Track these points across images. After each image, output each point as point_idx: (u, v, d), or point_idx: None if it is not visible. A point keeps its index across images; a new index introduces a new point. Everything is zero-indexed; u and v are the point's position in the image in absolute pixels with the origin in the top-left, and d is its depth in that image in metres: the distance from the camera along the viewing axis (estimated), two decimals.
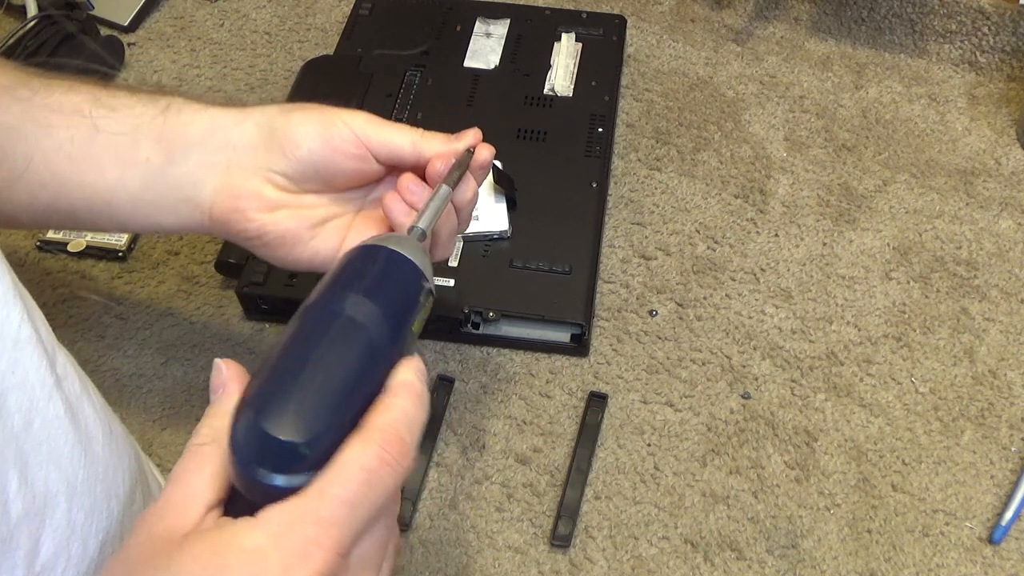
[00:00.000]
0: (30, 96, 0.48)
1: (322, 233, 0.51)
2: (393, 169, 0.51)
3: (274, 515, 0.34)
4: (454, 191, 0.49)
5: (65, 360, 0.40)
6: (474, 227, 0.67)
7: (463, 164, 0.49)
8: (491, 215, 0.68)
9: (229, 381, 0.38)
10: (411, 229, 0.45)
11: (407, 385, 0.38)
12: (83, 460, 0.38)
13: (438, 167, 0.49)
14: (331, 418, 0.36)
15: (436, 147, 0.50)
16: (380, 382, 0.38)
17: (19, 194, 0.49)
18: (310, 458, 0.35)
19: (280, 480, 0.34)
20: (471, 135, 0.51)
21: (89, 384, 0.42)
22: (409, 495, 0.60)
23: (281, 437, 0.34)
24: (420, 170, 0.50)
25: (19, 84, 0.48)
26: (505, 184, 0.68)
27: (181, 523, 0.34)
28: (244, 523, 0.34)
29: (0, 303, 0.35)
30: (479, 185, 0.52)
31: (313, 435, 0.35)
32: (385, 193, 0.50)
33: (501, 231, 0.67)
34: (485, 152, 0.51)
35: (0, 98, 0.47)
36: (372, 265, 0.41)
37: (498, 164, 0.69)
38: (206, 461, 0.36)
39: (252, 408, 0.35)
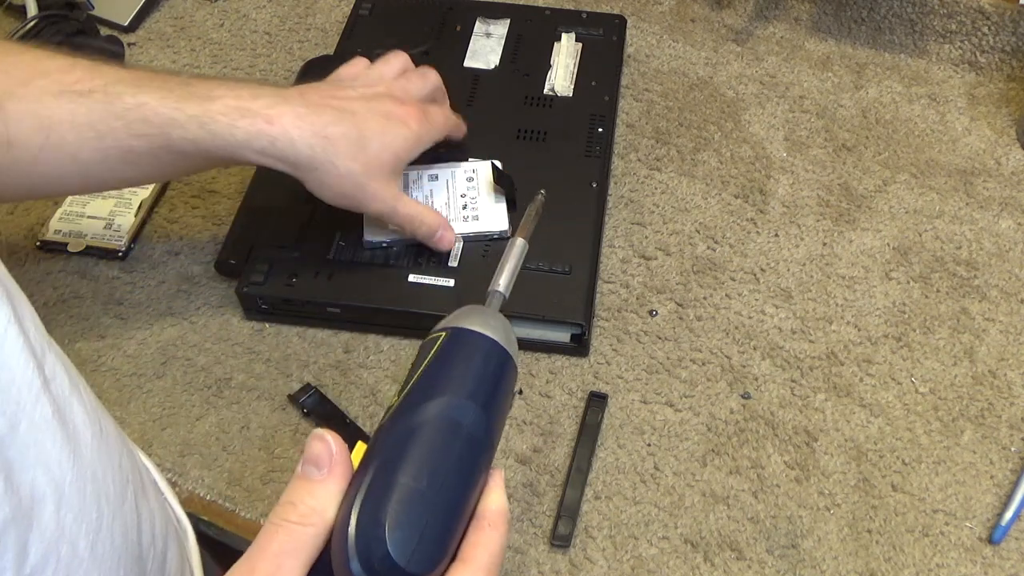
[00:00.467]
0: (87, 91, 0.55)
1: None
2: None
3: None
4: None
5: (55, 360, 0.39)
6: (474, 227, 0.67)
7: (536, 215, 0.49)
8: (491, 215, 0.68)
9: (336, 463, 0.37)
10: (493, 294, 0.44)
11: (502, 516, 0.38)
12: (71, 462, 0.38)
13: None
14: (449, 547, 0.36)
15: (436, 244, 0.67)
16: (481, 486, 0.39)
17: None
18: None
19: None
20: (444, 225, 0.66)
21: (80, 383, 0.42)
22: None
23: (409, 568, 0.34)
24: None
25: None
26: (505, 184, 0.68)
27: None
28: None
29: None
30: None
31: (433, 567, 0.36)
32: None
33: (501, 231, 0.67)
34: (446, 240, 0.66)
35: (55, 93, 0.54)
36: (473, 361, 0.40)
37: (498, 164, 0.69)
38: (303, 546, 0.35)
39: (377, 523, 0.35)
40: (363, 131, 0.59)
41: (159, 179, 0.61)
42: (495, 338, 0.40)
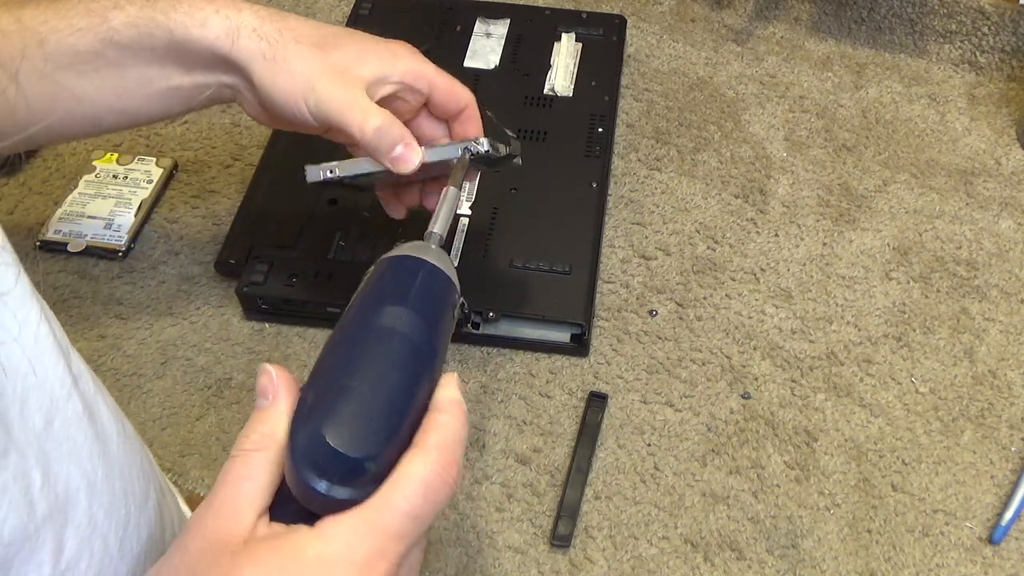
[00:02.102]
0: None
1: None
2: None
3: (341, 527, 0.35)
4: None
5: (78, 359, 0.40)
6: (438, 154, 0.56)
7: (464, 166, 0.52)
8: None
9: (280, 387, 0.38)
10: (429, 235, 0.47)
11: (455, 403, 0.39)
12: (101, 458, 0.39)
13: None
14: (392, 433, 0.37)
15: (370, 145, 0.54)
16: (430, 395, 0.40)
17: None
18: (374, 472, 0.36)
19: (344, 493, 0.35)
20: (400, 147, 0.54)
21: (101, 385, 0.42)
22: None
23: (349, 453, 0.35)
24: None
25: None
26: (497, 136, 0.60)
27: (236, 529, 0.35)
28: (309, 533, 0.35)
29: (19, 302, 0.35)
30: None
31: (378, 451, 0.36)
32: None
33: (473, 140, 0.56)
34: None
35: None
36: (410, 278, 0.43)
37: (494, 118, 0.63)
38: (258, 467, 0.36)
39: (315, 422, 0.36)
40: (329, 28, 0.55)
41: (112, 103, 0.55)
42: (424, 258, 0.43)
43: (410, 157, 0.54)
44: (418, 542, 0.37)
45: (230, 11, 0.53)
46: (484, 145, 0.55)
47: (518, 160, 0.60)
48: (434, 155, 0.55)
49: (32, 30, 0.51)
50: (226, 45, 0.52)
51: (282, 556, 0.34)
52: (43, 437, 0.35)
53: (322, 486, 0.35)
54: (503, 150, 0.57)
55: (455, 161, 0.54)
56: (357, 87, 0.54)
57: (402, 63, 0.56)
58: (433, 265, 0.43)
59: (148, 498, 0.43)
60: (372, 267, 0.44)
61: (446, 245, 0.54)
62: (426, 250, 0.44)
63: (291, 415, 0.38)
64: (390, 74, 0.56)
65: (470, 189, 0.65)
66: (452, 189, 0.50)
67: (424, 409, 0.39)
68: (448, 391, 0.40)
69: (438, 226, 0.48)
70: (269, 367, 0.39)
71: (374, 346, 0.39)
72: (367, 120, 0.53)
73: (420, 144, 0.55)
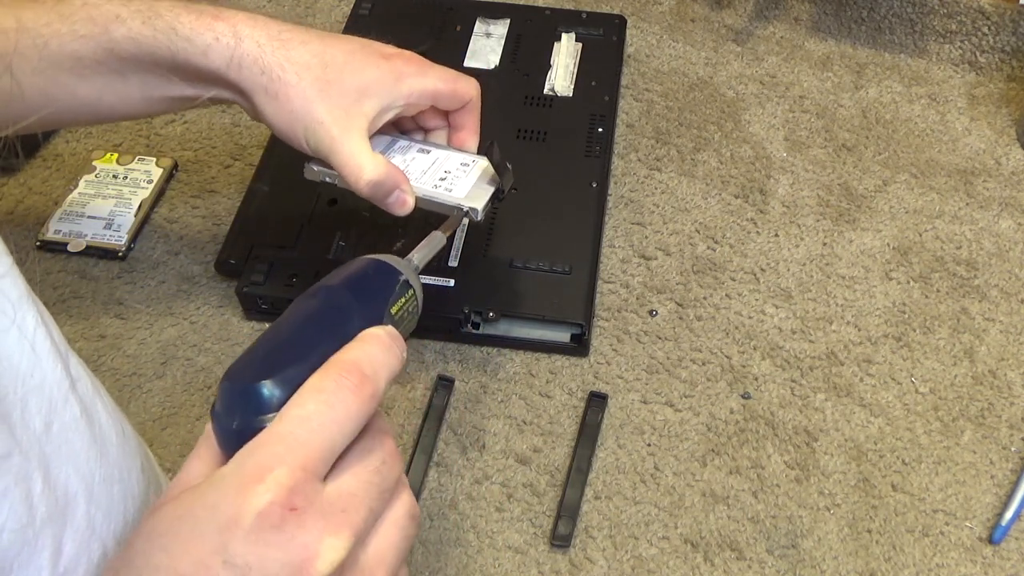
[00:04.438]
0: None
1: None
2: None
3: (240, 452, 0.35)
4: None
5: (77, 362, 0.40)
6: (442, 196, 0.58)
7: (458, 220, 0.56)
8: (468, 192, 0.59)
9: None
10: (409, 259, 0.49)
11: (371, 335, 0.39)
12: (99, 461, 0.39)
13: None
14: (291, 363, 0.37)
15: (365, 190, 0.56)
16: (345, 339, 0.39)
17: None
18: (272, 398, 0.36)
19: (251, 423, 0.36)
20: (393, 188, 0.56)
21: (100, 386, 0.42)
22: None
23: (245, 381, 0.36)
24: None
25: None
26: (500, 170, 0.60)
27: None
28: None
29: (16, 305, 0.35)
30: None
31: (275, 376, 0.36)
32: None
33: (469, 207, 0.58)
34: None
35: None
36: (351, 265, 0.44)
37: (497, 150, 0.60)
38: (199, 445, 0.37)
39: (224, 376, 0.38)
40: (329, 47, 0.54)
41: (114, 104, 0.55)
42: (381, 258, 0.45)
43: (406, 202, 0.56)
44: (342, 469, 0.36)
45: (230, 39, 0.52)
46: (479, 215, 0.58)
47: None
48: (430, 204, 0.58)
49: (33, 31, 0.51)
50: (228, 73, 0.53)
51: (185, 495, 0.34)
52: (43, 440, 0.35)
53: (233, 423, 0.36)
54: (498, 194, 0.60)
55: (450, 207, 0.58)
56: (357, 129, 0.55)
57: (405, 86, 0.56)
58: (375, 258, 0.44)
59: (148, 500, 0.43)
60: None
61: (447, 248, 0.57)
62: (387, 256, 0.45)
63: None
64: (393, 102, 0.56)
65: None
66: (439, 235, 0.52)
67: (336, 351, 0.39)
68: (371, 329, 0.39)
69: (416, 258, 0.49)
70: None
71: (294, 308, 0.41)
72: (362, 173, 0.54)
73: (424, 132, 0.59)
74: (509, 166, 0.61)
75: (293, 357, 0.37)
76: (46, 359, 0.36)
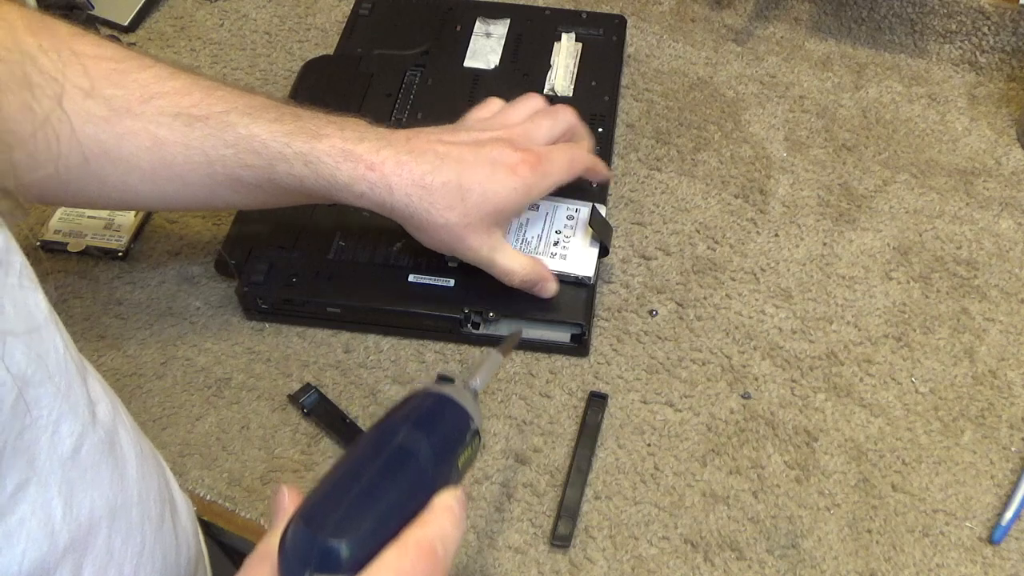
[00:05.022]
0: (203, 116, 0.56)
1: None
2: None
3: None
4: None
5: (96, 381, 0.40)
6: (559, 266, 0.65)
7: (515, 339, 0.57)
8: (579, 258, 0.65)
9: (290, 504, 0.40)
10: (465, 384, 0.49)
11: (446, 507, 0.40)
12: (120, 485, 0.39)
13: None
14: (370, 525, 0.38)
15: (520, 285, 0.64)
16: (421, 502, 0.41)
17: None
18: (349, 560, 0.37)
19: None
20: (541, 278, 0.64)
21: (119, 404, 0.42)
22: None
23: (322, 537, 0.37)
24: None
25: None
26: (602, 230, 0.66)
27: None
28: None
29: (45, 329, 0.35)
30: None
31: (353, 538, 0.37)
32: None
33: (585, 276, 0.65)
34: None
35: (172, 114, 0.55)
36: (425, 402, 0.45)
37: (600, 209, 0.67)
38: (255, 566, 0.38)
39: (299, 515, 0.38)
40: (464, 180, 0.58)
41: (258, 206, 0.61)
42: (448, 393, 0.45)
43: (551, 290, 0.64)
44: None
45: (383, 191, 0.57)
46: (592, 281, 0.66)
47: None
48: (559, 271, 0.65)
49: (199, 151, 0.56)
50: (379, 211, 0.59)
51: None
52: (69, 465, 0.35)
53: (304, 572, 0.37)
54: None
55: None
56: (500, 241, 0.62)
57: (535, 194, 0.61)
58: (448, 396, 0.45)
59: (164, 521, 0.43)
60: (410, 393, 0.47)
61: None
62: (454, 389, 0.46)
63: None
64: (526, 204, 0.62)
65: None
66: (498, 356, 0.52)
67: (414, 514, 0.40)
68: (443, 498, 0.41)
69: (477, 382, 0.49)
70: (284, 487, 0.41)
71: (371, 453, 0.41)
72: (514, 278, 0.62)
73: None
74: (610, 224, 0.69)
75: (373, 518, 0.39)
76: (75, 379, 0.36)
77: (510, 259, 0.62)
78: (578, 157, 0.64)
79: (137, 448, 0.42)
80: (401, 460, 0.41)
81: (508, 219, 0.62)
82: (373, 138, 0.57)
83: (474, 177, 0.58)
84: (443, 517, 0.40)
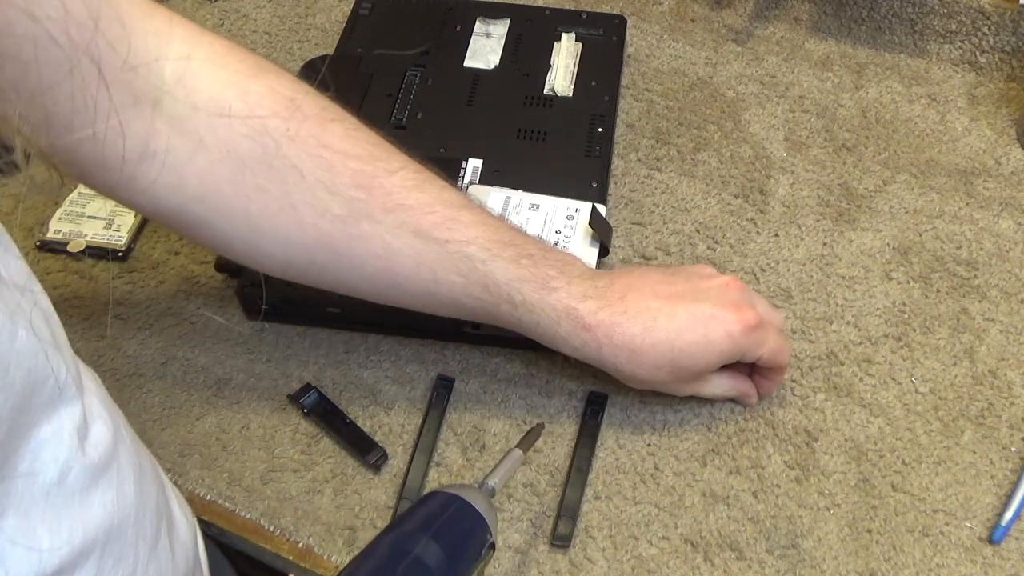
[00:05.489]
0: (442, 240, 0.55)
1: None
2: None
3: None
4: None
5: (93, 397, 0.39)
6: None
7: (536, 434, 0.56)
8: (579, 257, 0.64)
9: None
10: (482, 484, 0.49)
11: None
12: (116, 506, 0.38)
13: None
14: None
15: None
16: None
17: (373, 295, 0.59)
18: None
19: None
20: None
21: (121, 420, 0.42)
22: (409, 495, 0.60)
23: None
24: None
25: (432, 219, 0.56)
26: (602, 230, 0.66)
27: None
28: None
29: (43, 360, 0.34)
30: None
31: None
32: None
33: None
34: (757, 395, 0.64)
35: (413, 230, 0.55)
36: (445, 512, 0.44)
37: (600, 209, 0.67)
38: None
39: None
40: (676, 343, 0.57)
41: (453, 315, 0.61)
42: (467, 499, 0.45)
43: (751, 403, 0.64)
44: None
45: (589, 336, 0.57)
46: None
47: None
48: None
49: (430, 280, 0.56)
50: (582, 356, 0.59)
51: None
52: (53, 492, 0.34)
53: None
54: None
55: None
56: (702, 380, 0.61)
57: (742, 354, 0.59)
58: (467, 502, 0.45)
59: (159, 540, 0.43)
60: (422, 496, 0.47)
61: None
62: (470, 492, 0.46)
63: None
64: (733, 360, 0.60)
65: None
66: (519, 454, 0.53)
67: None
68: None
69: (495, 480, 0.50)
70: None
71: (387, 567, 0.41)
72: (716, 398, 0.63)
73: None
74: (610, 224, 0.68)
75: None
76: (66, 408, 0.36)
77: (714, 388, 0.62)
78: (785, 351, 0.61)
79: (136, 466, 0.41)
80: (413, 568, 0.41)
81: (714, 369, 0.61)
82: (594, 297, 0.57)
83: (686, 339, 0.57)
84: None
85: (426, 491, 0.60)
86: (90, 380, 0.41)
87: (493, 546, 0.45)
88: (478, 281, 0.56)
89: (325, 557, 0.58)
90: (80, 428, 0.36)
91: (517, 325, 0.58)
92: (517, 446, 0.54)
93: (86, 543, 0.35)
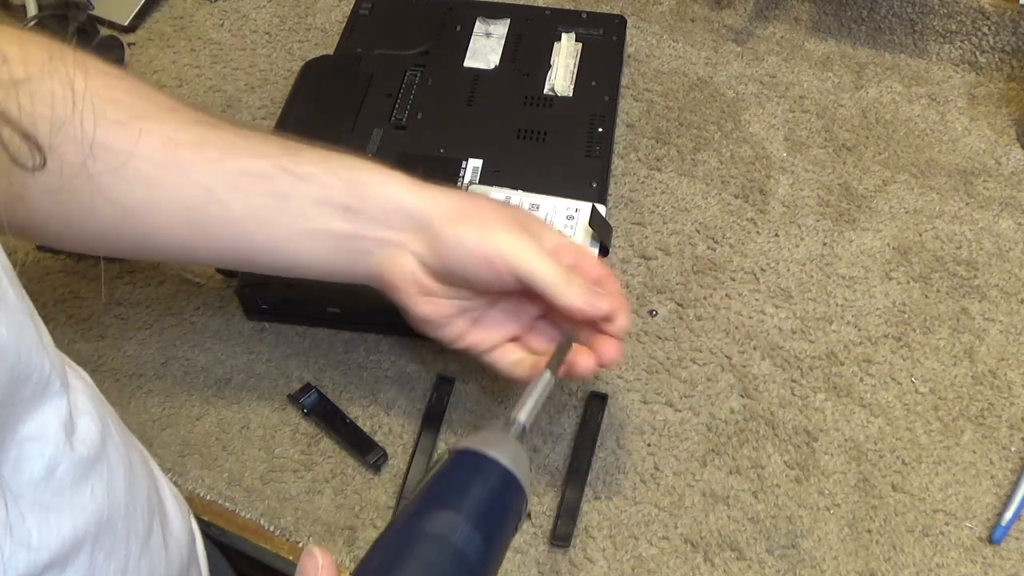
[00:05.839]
0: (219, 158, 0.50)
1: (455, 322, 0.54)
2: None
3: None
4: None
5: (79, 394, 0.39)
6: None
7: (565, 350, 0.49)
8: None
9: (323, 572, 0.37)
10: (511, 422, 0.43)
11: None
12: (106, 501, 0.38)
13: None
14: None
15: (574, 302, 0.50)
16: None
17: (208, 245, 0.52)
18: None
19: None
20: (607, 303, 0.51)
21: (109, 417, 0.42)
22: (409, 496, 0.60)
23: None
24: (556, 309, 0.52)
25: (205, 143, 0.50)
26: (602, 230, 0.66)
27: None
28: None
29: (25, 356, 0.34)
30: (590, 369, 0.52)
31: None
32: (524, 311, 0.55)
33: None
34: (620, 322, 0.52)
35: (191, 157, 0.49)
36: (475, 481, 0.39)
37: (600, 209, 0.67)
38: None
39: None
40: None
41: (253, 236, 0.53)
42: (503, 462, 0.39)
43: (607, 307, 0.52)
44: None
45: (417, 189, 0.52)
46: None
47: None
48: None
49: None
50: (410, 203, 0.52)
51: None
52: (41, 487, 0.34)
53: None
54: None
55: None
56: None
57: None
58: (504, 468, 0.39)
59: (152, 534, 0.43)
60: (440, 455, 0.41)
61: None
62: (502, 445, 0.40)
63: None
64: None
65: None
66: (548, 375, 0.46)
67: None
68: None
69: (524, 414, 0.44)
70: (316, 552, 0.38)
71: (419, 555, 0.36)
72: (572, 282, 0.51)
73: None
74: (610, 224, 0.65)
75: None
76: (51, 403, 0.36)
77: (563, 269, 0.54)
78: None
79: (127, 460, 0.41)
80: (450, 561, 0.36)
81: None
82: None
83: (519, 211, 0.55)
84: None
85: None
86: (76, 378, 0.40)
87: (529, 515, 0.41)
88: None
89: None
90: (67, 423, 0.36)
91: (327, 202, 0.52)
92: (546, 367, 0.46)
93: (76, 537, 0.36)
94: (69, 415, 0.37)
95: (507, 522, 0.39)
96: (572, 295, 0.50)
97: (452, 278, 0.52)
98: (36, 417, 0.35)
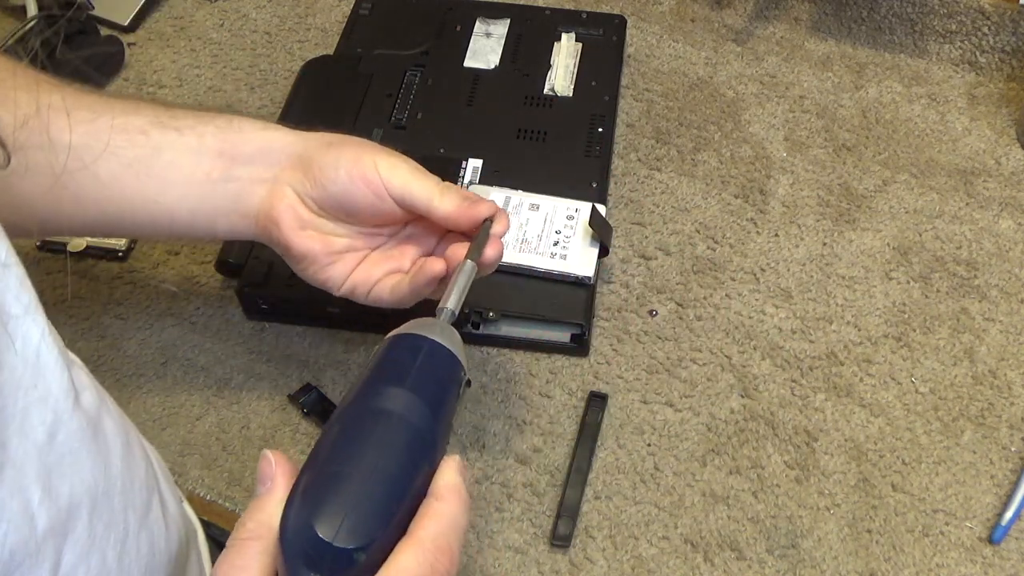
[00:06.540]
0: (92, 118, 0.50)
1: (338, 261, 0.54)
2: (419, 217, 0.54)
3: None
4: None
5: (80, 370, 0.40)
6: (559, 266, 0.65)
7: (483, 237, 0.51)
8: (579, 258, 0.65)
9: (277, 475, 0.38)
10: (440, 311, 0.46)
11: (454, 490, 0.39)
12: (103, 472, 0.39)
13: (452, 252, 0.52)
14: (384, 523, 0.37)
15: (449, 208, 0.51)
16: (428, 481, 0.39)
17: (86, 211, 0.51)
18: (364, 563, 0.35)
19: None
20: (486, 207, 0.52)
21: (106, 396, 0.42)
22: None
23: (336, 544, 0.35)
24: (438, 224, 0.53)
25: (79, 106, 0.50)
26: (602, 230, 0.66)
27: None
28: None
29: (22, 317, 0.35)
30: (495, 257, 0.52)
31: (368, 542, 0.36)
32: (407, 241, 0.55)
33: (585, 276, 0.65)
34: (499, 227, 0.53)
35: (61, 120, 0.49)
36: (412, 357, 0.41)
37: (601, 209, 0.67)
38: (252, 557, 0.37)
39: (305, 512, 0.36)
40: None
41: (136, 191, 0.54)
42: (436, 339, 0.42)
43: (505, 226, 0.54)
44: None
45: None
46: (592, 280, 0.63)
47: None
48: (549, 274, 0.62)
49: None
50: (286, 142, 0.53)
51: None
52: (45, 451, 0.35)
53: (311, 573, 0.35)
54: None
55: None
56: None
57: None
58: (435, 342, 0.42)
59: (150, 510, 0.43)
60: (379, 343, 0.43)
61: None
62: (432, 327, 0.43)
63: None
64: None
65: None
66: (469, 263, 0.48)
67: (421, 495, 0.38)
68: (448, 476, 0.39)
69: (451, 302, 0.46)
70: (269, 454, 0.39)
71: (370, 429, 0.38)
72: (446, 191, 0.52)
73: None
74: (610, 224, 0.67)
75: (384, 519, 0.37)
76: (50, 370, 0.36)
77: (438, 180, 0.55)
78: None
79: (123, 436, 0.42)
80: (401, 435, 0.38)
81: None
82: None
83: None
84: (453, 504, 0.39)
85: None
86: (75, 356, 0.41)
87: (469, 383, 0.43)
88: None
89: None
90: (68, 392, 0.37)
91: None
92: (466, 256, 0.49)
93: (73, 504, 0.36)
94: (71, 383, 0.37)
95: (449, 391, 0.42)
96: (448, 203, 0.51)
97: (332, 204, 0.52)
98: (39, 386, 0.35)
